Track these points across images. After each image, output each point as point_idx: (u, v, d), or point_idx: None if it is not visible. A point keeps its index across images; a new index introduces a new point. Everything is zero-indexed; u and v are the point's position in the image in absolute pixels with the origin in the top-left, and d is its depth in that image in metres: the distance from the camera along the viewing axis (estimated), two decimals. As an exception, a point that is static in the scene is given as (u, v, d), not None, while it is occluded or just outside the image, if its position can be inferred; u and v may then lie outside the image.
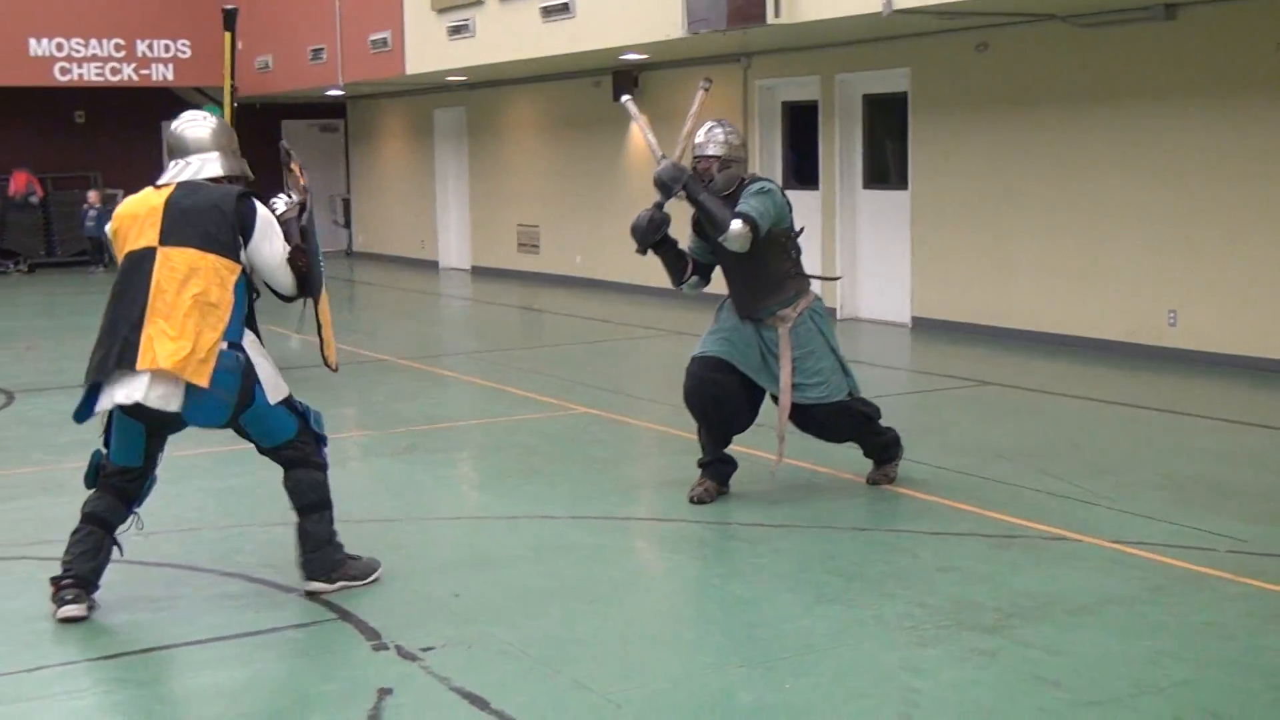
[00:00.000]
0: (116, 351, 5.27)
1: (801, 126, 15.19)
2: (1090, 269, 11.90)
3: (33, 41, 21.54)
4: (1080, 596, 5.42)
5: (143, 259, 5.33)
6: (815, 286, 7.17)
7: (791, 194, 16.60)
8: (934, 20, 11.86)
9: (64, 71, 21.79)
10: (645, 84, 17.02)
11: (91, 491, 5.54)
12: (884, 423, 7.20)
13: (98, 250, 22.73)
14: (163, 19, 22.22)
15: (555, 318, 15.83)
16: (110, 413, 5.42)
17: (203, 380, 5.20)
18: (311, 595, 5.53)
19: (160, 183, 5.54)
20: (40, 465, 8.08)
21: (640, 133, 7.16)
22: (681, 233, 6.94)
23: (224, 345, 5.26)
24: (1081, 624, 5.12)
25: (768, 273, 6.86)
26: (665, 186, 6.70)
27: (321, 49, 19.85)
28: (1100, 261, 11.82)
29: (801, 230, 7.11)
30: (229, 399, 5.29)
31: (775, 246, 6.84)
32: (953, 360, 11.62)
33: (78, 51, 21.80)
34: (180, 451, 8.27)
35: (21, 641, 5.08)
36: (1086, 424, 9.00)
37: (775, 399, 6.95)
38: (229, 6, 6.02)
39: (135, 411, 5.32)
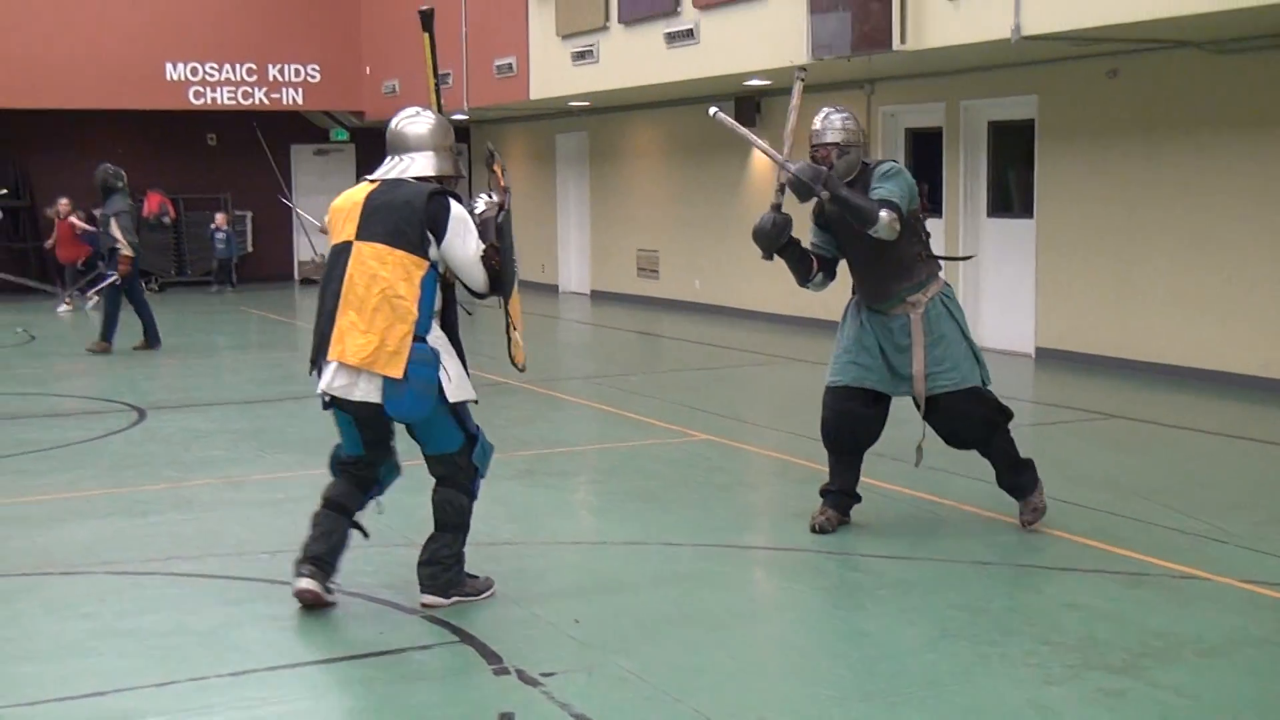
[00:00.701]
0: (317, 343, 5.56)
1: (925, 154, 15.07)
2: (1222, 301, 11.64)
3: (169, 66, 22.11)
4: (1213, 637, 5.29)
5: (341, 252, 5.56)
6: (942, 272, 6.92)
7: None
8: (1063, 46, 11.70)
9: (198, 95, 22.34)
10: (768, 110, 16.99)
11: (332, 479, 5.80)
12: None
13: (224, 271, 23.21)
14: (294, 43, 22.73)
15: (673, 343, 15.83)
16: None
17: (396, 372, 5.37)
18: (426, 607, 5.65)
19: (372, 177, 5.75)
20: (170, 482, 8.25)
21: (749, 143, 6.95)
22: (799, 229, 6.77)
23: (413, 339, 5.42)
24: (1214, 666, 5.00)
25: (898, 257, 6.64)
26: (805, 187, 6.50)
27: (447, 74, 20.08)
28: (1233, 293, 11.56)
29: (928, 211, 6.89)
30: (427, 391, 5.45)
31: (905, 229, 6.60)
32: (1078, 392, 11.43)
33: (211, 76, 22.35)
34: (304, 471, 8.41)
35: (152, 657, 5.18)
36: (1218, 460, 8.80)
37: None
38: (425, 8, 6.22)
39: (334, 401, 5.55)
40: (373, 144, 24.97)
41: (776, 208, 6.65)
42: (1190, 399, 10.92)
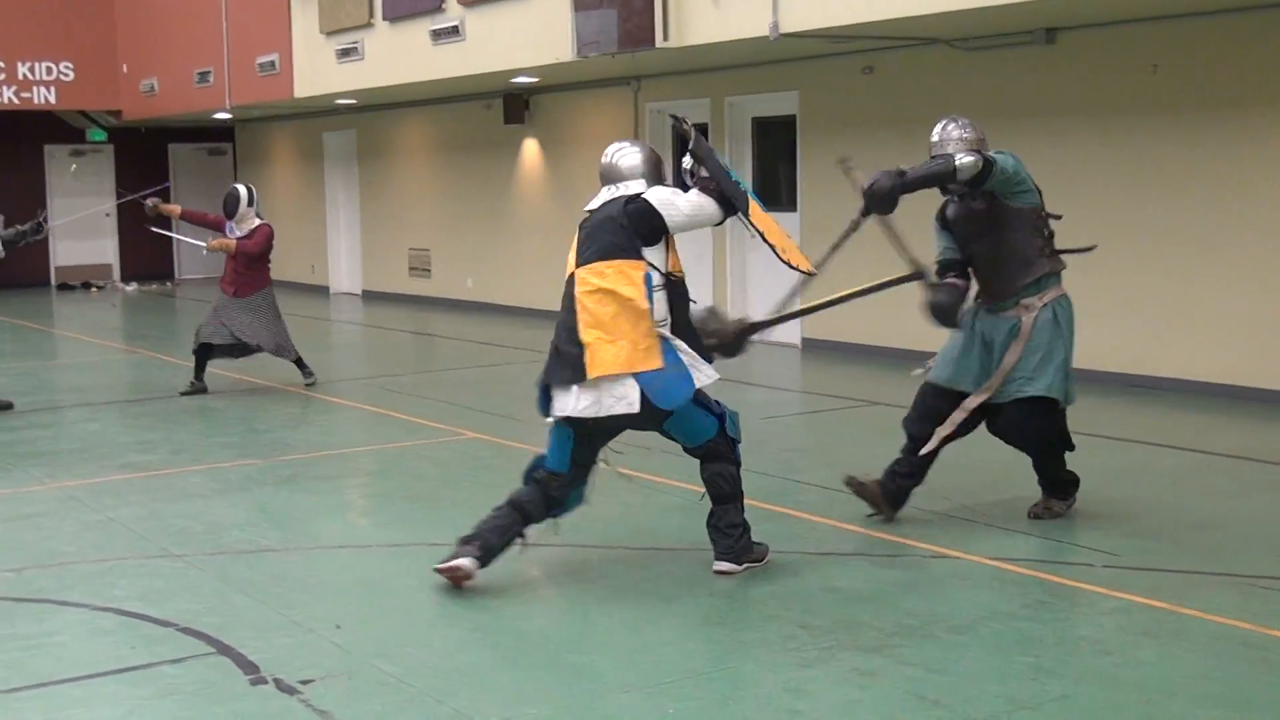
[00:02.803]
0: (552, 365, 5.85)
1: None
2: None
3: (-91, 64, 21.09)
4: (962, 614, 5.47)
5: (569, 283, 5.91)
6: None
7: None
8: (821, 44, 11.98)
9: (-59, 94, 21.35)
10: (536, 107, 17.02)
11: (523, 486, 6.00)
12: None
13: None
14: (45, 40, 21.83)
15: (446, 342, 15.73)
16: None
17: (655, 363, 5.70)
18: (720, 574, 5.98)
19: (588, 208, 6.04)
20: (-89, 499, 7.86)
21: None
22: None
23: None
24: (962, 641, 5.17)
25: (1020, 249, 6.60)
26: (881, 203, 6.50)
27: (208, 71, 19.60)
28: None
29: (1059, 216, 6.82)
30: (686, 372, 5.76)
31: (1026, 223, 6.59)
32: (842, 380, 11.71)
33: (-45, 73, 21.37)
34: (56, 484, 8.12)
35: (-116, 683, 4.93)
36: (966, 442, 9.08)
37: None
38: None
39: (568, 421, 5.83)
40: (132, 144, 24.26)
41: (934, 288, 6.69)
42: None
